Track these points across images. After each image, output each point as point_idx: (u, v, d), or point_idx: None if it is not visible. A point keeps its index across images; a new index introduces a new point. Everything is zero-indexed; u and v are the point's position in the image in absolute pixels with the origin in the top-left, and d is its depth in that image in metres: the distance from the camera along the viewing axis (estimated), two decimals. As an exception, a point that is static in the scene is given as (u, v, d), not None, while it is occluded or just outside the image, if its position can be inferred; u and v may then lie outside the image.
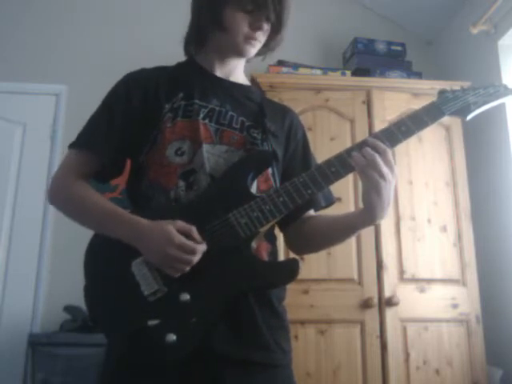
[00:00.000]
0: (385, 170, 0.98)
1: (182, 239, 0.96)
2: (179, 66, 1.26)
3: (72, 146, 1.16)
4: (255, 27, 1.12)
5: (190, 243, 0.96)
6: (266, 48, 1.22)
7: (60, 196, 1.14)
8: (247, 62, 1.29)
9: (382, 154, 0.99)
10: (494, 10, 2.59)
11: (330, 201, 1.23)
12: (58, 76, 3.04)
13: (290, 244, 1.27)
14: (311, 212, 1.23)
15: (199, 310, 0.98)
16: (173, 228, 0.97)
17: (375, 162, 0.98)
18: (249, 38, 1.13)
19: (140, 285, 1.00)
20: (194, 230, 0.98)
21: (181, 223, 0.98)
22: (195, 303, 0.99)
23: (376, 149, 1.00)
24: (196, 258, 0.97)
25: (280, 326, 1.11)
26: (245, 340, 1.04)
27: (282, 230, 1.25)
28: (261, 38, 1.15)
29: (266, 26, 1.14)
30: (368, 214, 1.04)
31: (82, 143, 1.15)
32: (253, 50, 1.16)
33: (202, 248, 0.98)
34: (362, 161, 0.99)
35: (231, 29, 1.13)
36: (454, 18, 3.10)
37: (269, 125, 1.17)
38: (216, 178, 1.07)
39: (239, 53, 1.17)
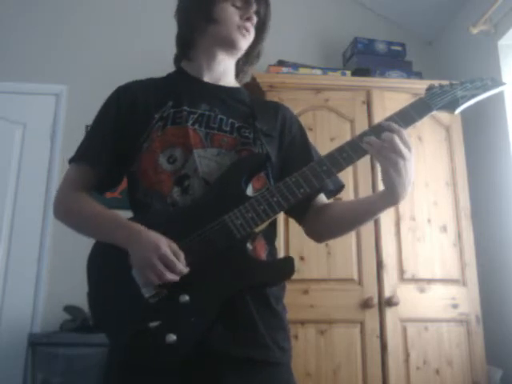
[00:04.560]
0: (403, 148, 0.99)
1: (168, 252, 0.97)
2: (169, 76, 1.29)
3: (71, 160, 1.20)
4: (246, 18, 1.19)
5: (173, 258, 0.97)
6: (251, 55, 1.27)
7: (61, 209, 1.18)
8: (238, 77, 1.31)
9: (398, 133, 1.00)
10: (494, 10, 2.59)
11: (338, 185, 1.23)
12: (58, 76, 3.04)
13: (310, 233, 1.26)
14: (325, 199, 1.23)
15: (198, 310, 1.00)
16: (165, 242, 0.99)
17: (392, 140, 0.99)
18: (241, 28, 1.19)
19: (140, 288, 1.01)
20: (182, 255, 0.99)
21: (175, 245, 0.99)
22: (194, 303, 1.00)
23: (391, 130, 1.01)
24: (170, 277, 0.97)
25: (279, 325, 1.11)
26: (244, 339, 1.04)
27: (299, 222, 1.25)
28: (251, 30, 1.20)
29: (255, 19, 1.20)
30: (390, 195, 1.04)
31: (78, 157, 1.19)
32: (244, 41, 1.20)
33: (181, 269, 0.98)
34: (378, 142, 1.00)
35: (224, 20, 1.19)
36: (454, 18, 3.10)
37: (260, 125, 1.18)
38: (211, 182, 1.09)
39: (232, 43, 1.20)
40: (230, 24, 1.18)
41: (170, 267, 0.97)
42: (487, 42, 2.74)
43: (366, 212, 1.14)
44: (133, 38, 3.12)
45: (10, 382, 2.55)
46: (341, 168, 1.04)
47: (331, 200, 1.25)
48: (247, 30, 1.19)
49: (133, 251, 1.01)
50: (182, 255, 0.99)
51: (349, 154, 1.03)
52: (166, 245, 0.98)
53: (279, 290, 1.14)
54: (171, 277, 0.98)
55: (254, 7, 1.19)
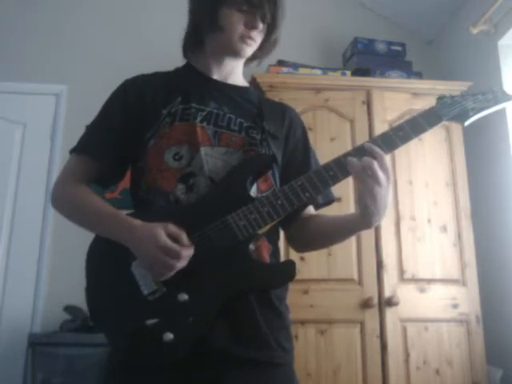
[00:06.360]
0: (380, 175, 0.98)
1: (168, 242, 0.95)
2: (177, 70, 1.27)
3: (72, 151, 1.18)
4: (251, 26, 1.14)
5: (174, 247, 0.95)
6: (261, 51, 1.23)
7: (60, 200, 1.16)
8: (244, 66, 1.29)
9: (379, 159, 0.99)
10: (493, 10, 2.59)
11: (329, 198, 1.23)
12: (58, 76, 3.04)
13: (290, 242, 1.27)
14: (312, 211, 1.23)
15: (197, 310, 0.99)
16: (161, 230, 0.97)
17: (371, 167, 0.98)
18: (244, 37, 1.15)
19: (139, 285, 1.01)
20: (182, 235, 0.98)
21: (171, 226, 0.98)
22: (193, 303, 0.99)
23: (372, 154, 1.00)
24: (180, 264, 0.96)
25: (281, 325, 1.11)
26: (245, 339, 1.04)
27: (282, 228, 1.25)
28: (257, 37, 1.16)
29: (261, 26, 1.15)
30: (363, 219, 1.04)
31: (81, 148, 1.17)
32: (249, 49, 1.17)
33: (187, 253, 0.97)
34: (358, 166, 0.99)
35: (227, 28, 1.14)
36: (454, 18, 3.10)
37: (267, 126, 1.18)
38: (216, 181, 1.08)
39: (235, 52, 1.17)
40: (232, 33, 1.14)
41: (175, 256, 0.95)
42: (487, 42, 2.74)
43: (341, 230, 1.15)
44: (133, 37, 3.12)
45: (10, 382, 2.55)
46: (347, 173, 1.02)
47: (317, 212, 1.25)
48: (251, 39, 1.15)
49: (134, 249, 1.01)
50: (182, 234, 0.98)
51: (335, 172, 1.02)
52: (163, 233, 0.96)
53: (282, 290, 1.14)
54: (180, 264, 0.97)
55: (262, 10, 1.13)
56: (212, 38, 1.19)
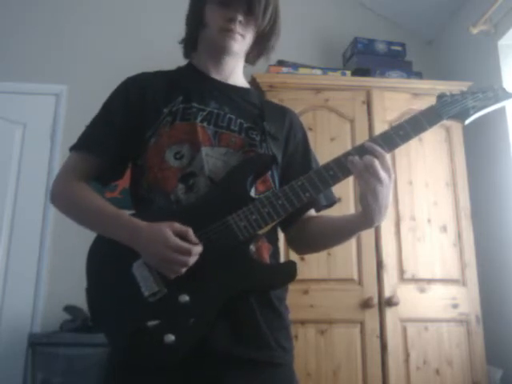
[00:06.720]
0: (382, 174, 0.99)
1: (178, 241, 0.96)
2: (179, 70, 1.27)
3: (72, 148, 1.18)
4: (228, 18, 1.13)
5: (185, 245, 0.97)
6: (259, 46, 1.24)
7: (60, 197, 1.15)
8: (250, 64, 1.30)
9: (380, 158, 1.00)
10: (493, 10, 2.59)
11: (331, 200, 1.23)
12: (58, 76, 3.04)
13: (291, 244, 1.27)
14: (312, 212, 1.23)
15: (198, 311, 0.99)
16: (169, 230, 0.97)
17: (373, 166, 0.98)
18: (224, 30, 1.14)
19: (140, 286, 1.00)
20: (189, 232, 0.98)
21: (177, 225, 0.99)
22: (194, 304, 0.99)
23: (373, 153, 1.00)
24: (192, 260, 0.97)
25: (281, 326, 1.11)
26: (245, 339, 1.04)
27: (283, 230, 1.25)
28: (239, 29, 1.15)
29: (241, 17, 1.14)
30: (365, 218, 1.04)
31: (81, 145, 1.17)
32: (232, 42, 1.15)
33: (197, 249, 0.98)
34: (360, 165, 0.99)
35: (209, 24, 1.16)
36: (454, 18, 3.10)
37: (268, 127, 1.18)
38: (216, 181, 1.08)
39: (220, 47, 1.17)
40: (213, 27, 1.15)
41: (187, 253, 0.96)
42: (487, 42, 2.74)
43: (342, 231, 1.15)
44: (133, 37, 3.12)
45: (10, 382, 2.55)
46: (348, 173, 1.03)
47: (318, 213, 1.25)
48: (231, 31, 1.14)
49: (141, 250, 1.00)
50: (189, 230, 0.98)
51: (335, 172, 1.03)
52: (171, 233, 0.97)
53: (282, 290, 1.14)
54: (192, 260, 0.97)
55: (238, 3, 1.12)
56: (202, 36, 1.21)
